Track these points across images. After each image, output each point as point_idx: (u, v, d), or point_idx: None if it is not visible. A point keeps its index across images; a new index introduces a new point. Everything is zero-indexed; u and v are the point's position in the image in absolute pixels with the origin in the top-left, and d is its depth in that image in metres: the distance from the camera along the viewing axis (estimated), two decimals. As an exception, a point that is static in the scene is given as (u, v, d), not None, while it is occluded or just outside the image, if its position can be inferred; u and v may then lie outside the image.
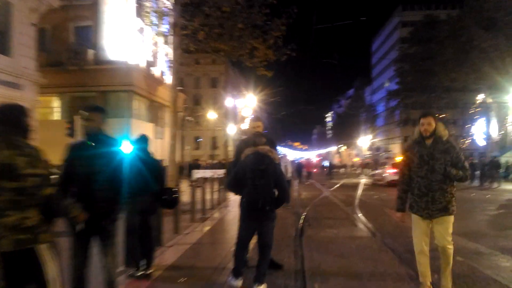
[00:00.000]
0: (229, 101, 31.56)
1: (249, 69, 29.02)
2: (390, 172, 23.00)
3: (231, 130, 37.06)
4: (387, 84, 66.38)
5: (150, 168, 5.11)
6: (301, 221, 9.50)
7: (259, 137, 4.50)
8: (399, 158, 25.63)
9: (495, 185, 22.16)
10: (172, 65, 13.52)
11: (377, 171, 27.41)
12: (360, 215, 11.00)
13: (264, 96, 32.69)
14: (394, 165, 23.39)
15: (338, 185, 25.36)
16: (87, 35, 23.61)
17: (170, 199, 5.21)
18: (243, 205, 4.34)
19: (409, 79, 49.97)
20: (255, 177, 4.19)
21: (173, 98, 12.64)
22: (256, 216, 4.25)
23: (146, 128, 25.29)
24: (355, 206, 13.13)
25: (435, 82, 44.60)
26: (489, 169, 22.58)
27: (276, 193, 4.34)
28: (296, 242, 7.18)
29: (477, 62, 33.97)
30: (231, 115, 35.36)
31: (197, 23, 17.60)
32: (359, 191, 19.35)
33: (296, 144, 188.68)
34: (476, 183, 24.48)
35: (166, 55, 25.02)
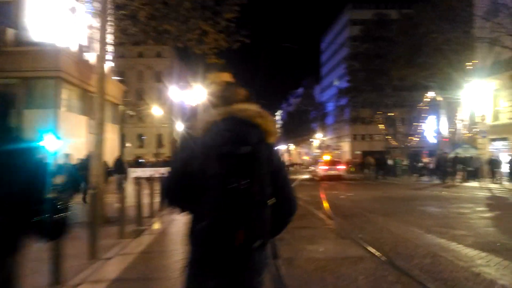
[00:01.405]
0: (175, 93, 28.45)
1: (198, 59, 26.32)
2: (322, 169, 27.09)
3: (179, 126, 34.10)
4: (337, 83, 66.18)
5: (11, 162, 2.48)
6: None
7: (233, 89, 2.11)
8: (326, 157, 31.25)
9: (457, 181, 21.25)
10: (100, 33, 10.69)
11: (314, 168, 31.18)
12: (339, 221, 8.89)
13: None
14: (325, 162, 28.11)
15: (295, 183, 23.43)
16: (7, 12, 20.04)
17: (47, 224, 2.51)
18: (198, 239, 1.87)
19: (359, 77, 49.54)
20: (228, 173, 1.78)
21: (100, 76, 9.86)
22: (228, 264, 1.81)
23: (79, 121, 22.02)
24: (326, 209, 11.05)
25: (384, 80, 44.39)
26: (451, 165, 21.62)
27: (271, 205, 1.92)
28: (273, 271, 4.83)
29: (430, 58, 33.63)
30: (178, 110, 32.30)
31: (137, 3, 15.01)
32: (321, 190, 17.40)
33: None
34: (431, 180, 23.60)
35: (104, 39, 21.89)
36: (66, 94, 21.69)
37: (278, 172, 1.91)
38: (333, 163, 28.28)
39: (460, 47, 29.74)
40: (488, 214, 10.05)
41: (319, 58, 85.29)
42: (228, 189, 1.75)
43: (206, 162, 1.82)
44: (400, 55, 37.05)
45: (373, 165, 33.79)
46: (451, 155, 23.89)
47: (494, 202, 12.80)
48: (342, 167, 28.35)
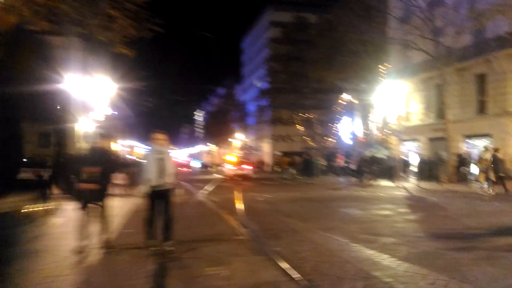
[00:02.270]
0: (75, 86, 24.50)
1: (107, 47, 23.62)
2: (229, 168, 28.71)
3: (85, 124, 30.45)
4: (258, 83, 65.96)
5: None
6: (158, 250, 5.55)
7: None
8: (233, 157, 32.71)
9: (373, 181, 21.25)
10: None
11: (221, 168, 33.18)
12: (252, 229, 7.51)
13: (129, 83, 27.16)
14: (232, 163, 29.67)
15: (213, 184, 21.82)
16: None
17: None
18: None
19: (279, 78, 49.55)
20: None
21: None
22: None
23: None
24: (239, 214, 9.64)
25: (303, 82, 44.71)
26: (368, 165, 21.57)
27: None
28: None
29: (347, 61, 34.18)
30: (78, 105, 28.37)
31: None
32: (237, 192, 16.03)
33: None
34: (349, 179, 23.55)
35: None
36: None
37: None
38: (240, 163, 29.64)
39: (375, 49, 30.44)
40: (412, 217, 9.35)
41: (240, 58, 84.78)
42: None
43: None
44: (319, 57, 37.37)
45: (289, 165, 33.97)
46: (367, 155, 23.99)
47: (414, 203, 12.36)
48: (248, 167, 29.45)
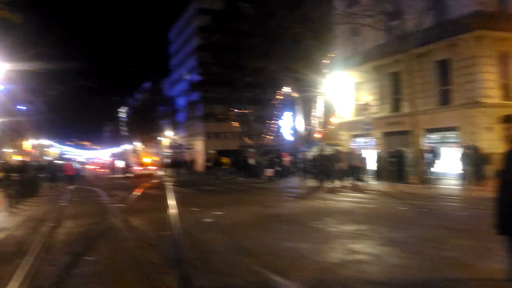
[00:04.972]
0: None
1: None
2: (136, 169, 32.34)
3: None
4: (187, 76, 61.01)
5: None
6: None
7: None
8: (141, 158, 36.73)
9: (337, 183, 17.97)
10: None
11: (130, 168, 35.01)
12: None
13: (22, 63, 20.92)
14: (139, 164, 33.82)
15: (137, 192, 16.99)
16: None
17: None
18: None
19: (211, 70, 45.41)
20: None
21: None
22: None
23: None
24: (185, 265, 5.34)
25: (237, 75, 41.06)
26: (330, 164, 18.17)
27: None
28: None
29: (286, 48, 30.97)
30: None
31: None
32: (173, 205, 11.55)
33: (86, 143, 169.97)
34: (303, 181, 20.14)
35: None
36: None
37: None
38: (146, 164, 34.30)
39: (320, 29, 27.40)
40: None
41: (167, 49, 78.82)
42: None
43: None
44: (255, 46, 33.76)
45: (227, 165, 30.61)
46: (324, 153, 20.63)
47: (453, 225, 8.72)
48: (154, 167, 33.95)
